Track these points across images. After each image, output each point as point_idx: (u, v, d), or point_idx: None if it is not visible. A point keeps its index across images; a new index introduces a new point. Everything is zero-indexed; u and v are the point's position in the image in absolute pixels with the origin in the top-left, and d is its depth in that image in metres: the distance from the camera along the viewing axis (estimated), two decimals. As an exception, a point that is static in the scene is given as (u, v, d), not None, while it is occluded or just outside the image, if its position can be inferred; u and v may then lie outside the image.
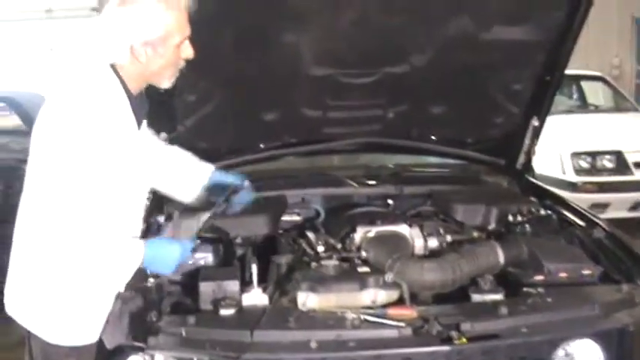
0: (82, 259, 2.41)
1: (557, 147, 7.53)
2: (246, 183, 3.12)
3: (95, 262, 2.43)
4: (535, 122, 3.73)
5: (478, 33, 3.37)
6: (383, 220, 3.25)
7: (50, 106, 2.43)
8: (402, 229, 3.20)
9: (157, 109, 3.23)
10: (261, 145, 3.85)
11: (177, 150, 3.09)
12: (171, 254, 2.54)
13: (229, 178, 3.11)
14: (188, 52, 2.53)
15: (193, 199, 3.10)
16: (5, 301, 2.62)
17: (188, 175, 3.06)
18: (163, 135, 3.29)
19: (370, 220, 3.27)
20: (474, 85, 3.63)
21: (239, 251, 3.22)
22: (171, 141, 3.40)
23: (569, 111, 9.03)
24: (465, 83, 3.61)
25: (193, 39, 3.06)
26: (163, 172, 3.02)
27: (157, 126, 3.31)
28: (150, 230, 3.19)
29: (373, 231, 3.15)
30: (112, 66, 2.47)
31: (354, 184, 3.85)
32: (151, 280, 2.69)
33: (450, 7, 3.26)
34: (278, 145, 3.85)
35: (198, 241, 2.82)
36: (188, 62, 3.15)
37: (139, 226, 2.76)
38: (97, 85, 2.44)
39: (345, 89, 3.60)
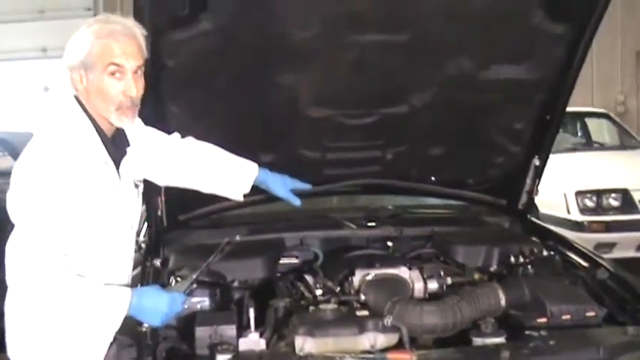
0: (63, 306, 2.37)
1: (562, 186, 7.48)
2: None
3: (77, 309, 2.38)
4: (536, 162, 3.70)
5: (477, 72, 3.35)
6: (382, 263, 3.22)
7: (25, 151, 2.43)
8: (402, 271, 3.17)
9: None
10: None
11: (215, 149, 3.06)
12: (159, 306, 2.48)
13: (275, 178, 3.11)
14: (129, 88, 2.46)
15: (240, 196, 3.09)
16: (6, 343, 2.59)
17: (233, 175, 3.05)
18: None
19: (369, 262, 3.24)
20: (473, 124, 3.61)
21: (236, 295, 3.19)
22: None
23: (574, 149, 8.98)
24: (465, 123, 3.59)
25: (189, 79, 3.09)
26: (204, 173, 3.02)
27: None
28: (144, 275, 3.16)
29: (372, 274, 3.12)
30: (77, 98, 2.48)
31: (353, 226, 3.80)
32: (146, 324, 2.63)
33: (448, 47, 3.24)
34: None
35: (188, 295, 2.76)
36: (184, 102, 3.17)
37: (127, 270, 2.71)
38: (63, 125, 2.44)
39: (343, 130, 3.57)
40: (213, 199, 3.61)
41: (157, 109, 3.14)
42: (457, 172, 3.92)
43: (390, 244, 3.75)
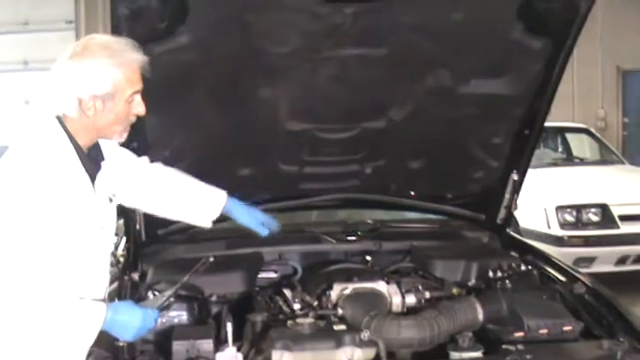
0: (36, 321, 2.33)
1: (542, 200, 7.49)
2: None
3: (51, 324, 2.35)
4: (515, 176, 3.69)
5: (456, 86, 3.35)
6: (360, 277, 3.22)
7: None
8: (380, 285, 3.17)
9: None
10: (236, 202, 3.78)
11: (182, 176, 3.02)
12: (132, 322, 2.44)
13: (242, 209, 3.08)
14: (140, 109, 2.49)
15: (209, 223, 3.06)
16: None
17: (201, 203, 3.01)
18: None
19: (347, 277, 3.24)
20: (452, 139, 3.61)
21: (214, 309, 3.18)
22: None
23: (554, 164, 9.01)
24: (444, 138, 3.58)
25: (167, 92, 3.07)
26: (172, 200, 2.98)
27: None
28: (122, 288, 3.14)
29: (350, 288, 3.12)
30: (59, 118, 2.43)
31: (332, 240, 3.79)
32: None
33: (428, 61, 3.24)
34: (254, 202, 3.76)
35: (166, 309, 2.74)
36: (162, 115, 3.15)
37: (104, 283, 2.68)
38: (41, 142, 2.40)
39: (321, 144, 3.57)
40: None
41: (135, 127, 3.11)
42: (436, 187, 3.92)
43: (368, 258, 3.74)
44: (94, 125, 2.44)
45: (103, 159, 2.60)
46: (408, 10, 2.98)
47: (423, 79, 3.30)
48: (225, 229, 3.79)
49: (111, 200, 2.65)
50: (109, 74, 2.38)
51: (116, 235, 3.54)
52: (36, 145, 2.40)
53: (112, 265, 3.27)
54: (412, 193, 3.94)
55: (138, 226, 3.47)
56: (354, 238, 3.87)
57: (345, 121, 3.50)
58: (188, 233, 3.69)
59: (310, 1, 2.89)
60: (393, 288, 3.19)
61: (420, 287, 3.25)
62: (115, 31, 2.72)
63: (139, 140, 3.14)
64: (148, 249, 3.59)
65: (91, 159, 2.53)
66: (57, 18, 15.18)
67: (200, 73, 3.09)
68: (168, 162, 3.35)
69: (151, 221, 3.45)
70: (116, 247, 3.48)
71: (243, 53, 3.04)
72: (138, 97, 2.47)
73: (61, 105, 2.39)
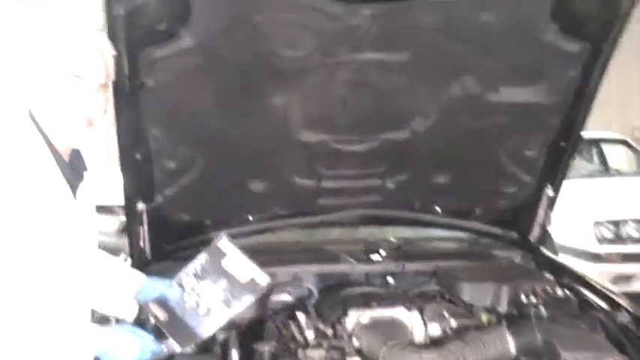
0: (23, 346, 2.12)
1: (578, 215, 7.21)
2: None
3: (39, 350, 2.15)
4: (549, 192, 3.46)
5: (485, 95, 3.12)
6: (379, 302, 2.99)
7: None
8: (400, 312, 2.93)
9: (133, 176, 3.02)
10: (250, 218, 3.58)
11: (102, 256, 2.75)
12: (128, 351, 2.26)
13: (160, 289, 2.78)
14: (91, 101, 2.26)
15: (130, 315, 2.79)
16: None
17: (114, 288, 2.73)
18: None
19: (364, 302, 3.02)
20: (481, 151, 3.38)
21: (221, 336, 2.93)
22: (151, 212, 3.16)
23: (590, 176, 8.72)
24: (472, 150, 3.36)
25: (170, 100, 2.88)
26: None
27: (133, 195, 3.09)
28: None
29: (367, 315, 2.88)
30: (31, 116, 2.27)
31: (351, 260, 3.54)
32: None
33: (453, 67, 3.02)
34: (268, 217, 3.57)
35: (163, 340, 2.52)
36: (165, 125, 2.94)
37: (85, 301, 2.46)
38: (12, 144, 2.23)
39: (339, 157, 3.35)
40: (201, 227, 3.42)
41: (136, 134, 2.92)
42: (464, 202, 3.69)
43: (390, 280, 3.49)
44: (51, 117, 2.26)
45: (85, 169, 2.44)
46: (431, 11, 2.76)
47: (448, 86, 3.09)
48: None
49: (95, 211, 2.46)
50: (50, 55, 2.24)
51: (121, 253, 3.36)
52: (6, 146, 2.22)
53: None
54: (438, 209, 3.69)
55: (142, 243, 3.25)
56: (377, 257, 3.61)
57: (364, 132, 3.29)
58: (199, 250, 3.47)
59: (324, 1, 2.67)
60: (415, 315, 2.94)
61: (446, 314, 2.99)
62: (111, 33, 2.54)
63: (140, 151, 2.97)
64: (154, 267, 3.36)
65: (72, 167, 2.36)
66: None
67: (205, 78, 2.89)
68: (175, 174, 3.18)
69: (157, 237, 3.30)
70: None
71: (251, 57, 2.85)
72: (90, 89, 2.25)
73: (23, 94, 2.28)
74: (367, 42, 2.82)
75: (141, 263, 3.30)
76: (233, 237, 3.37)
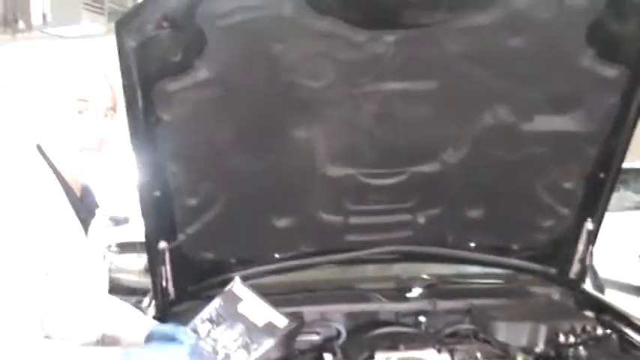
0: None
1: (623, 247, 6.99)
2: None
3: None
4: (589, 225, 3.26)
5: (518, 125, 2.98)
6: (407, 344, 2.82)
7: None
8: (429, 355, 2.76)
9: (153, 214, 2.92)
10: (276, 256, 3.44)
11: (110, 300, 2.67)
12: None
13: (172, 335, 2.63)
14: (94, 126, 2.23)
15: None
16: None
17: (122, 333, 2.61)
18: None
19: (393, 343, 2.85)
20: (516, 184, 3.22)
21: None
22: (173, 251, 3.05)
23: (636, 207, 8.44)
24: (506, 182, 3.21)
25: (188, 134, 2.78)
26: None
27: (154, 234, 2.99)
28: None
29: (394, 358, 2.72)
30: (39, 149, 2.25)
31: (382, 298, 3.39)
32: None
33: (484, 96, 2.89)
34: (294, 255, 3.44)
35: None
36: (184, 161, 2.86)
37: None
38: (22, 178, 2.19)
39: (367, 191, 3.22)
40: (226, 266, 3.30)
41: (154, 170, 2.82)
42: (499, 237, 3.50)
43: (422, 319, 3.31)
44: (56, 146, 2.23)
45: (97, 206, 2.38)
46: (459, 37, 2.64)
47: (479, 115, 2.95)
48: (264, 285, 3.47)
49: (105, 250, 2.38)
50: (52, 81, 2.24)
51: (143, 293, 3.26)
52: (16, 180, 2.19)
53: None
54: (472, 244, 3.52)
55: (165, 283, 3.13)
56: (412, 294, 3.46)
57: (393, 165, 3.16)
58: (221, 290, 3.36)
59: (345, 28, 2.56)
60: (445, 358, 2.78)
61: (479, 356, 2.82)
62: (124, 67, 2.47)
63: (160, 189, 2.86)
64: (177, 307, 3.25)
65: (84, 202, 2.31)
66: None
67: (223, 112, 2.78)
68: (196, 212, 3.08)
69: (181, 276, 3.16)
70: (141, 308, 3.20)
71: (271, 89, 2.75)
72: (94, 114, 2.23)
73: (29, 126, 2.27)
74: (391, 71, 2.72)
75: (164, 304, 3.20)
76: (259, 276, 3.29)
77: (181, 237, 3.14)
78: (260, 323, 2.59)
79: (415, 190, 3.24)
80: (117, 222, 8.17)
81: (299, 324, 3.06)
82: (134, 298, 3.46)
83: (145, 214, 2.95)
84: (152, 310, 3.21)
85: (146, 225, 2.99)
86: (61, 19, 11.56)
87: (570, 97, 2.90)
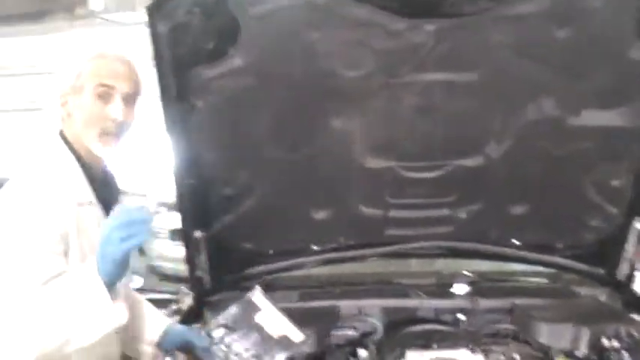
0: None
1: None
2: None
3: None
4: (638, 225, 3.14)
5: (564, 119, 2.90)
6: (440, 343, 2.75)
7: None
8: (462, 355, 2.68)
9: (189, 202, 2.90)
10: (314, 248, 3.38)
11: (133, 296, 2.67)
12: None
13: (186, 336, 2.67)
14: (114, 110, 2.23)
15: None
16: None
17: (135, 329, 2.60)
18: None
19: (425, 342, 2.79)
20: (561, 180, 3.12)
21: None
22: (209, 240, 3.02)
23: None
24: (551, 178, 3.11)
25: (223, 123, 2.74)
26: None
27: (189, 222, 2.96)
28: None
29: (425, 357, 2.65)
30: (62, 134, 2.28)
31: (421, 294, 3.31)
32: None
33: (528, 88, 2.81)
34: (333, 248, 3.38)
35: None
36: (219, 150, 2.82)
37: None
38: (45, 163, 2.23)
39: (407, 185, 3.14)
40: (264, 257, 3.26)
41: (191, 162, 2.80)
42: (544, 235, 3.38)
43: (462, 317, 3.22)
44: (77, 131, 2.26)
45: (118, 192, 2.44)
46: (502, 27, 2.57)
47: (523, 108, 2.87)
48: (302, 278, 3.44)
49: None
50: (76, 65, 2.26)
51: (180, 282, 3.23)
52: (40, 166, 2.24)
53: (171, 315, 3.05)
54: (516, 242, 3.41)
55: (201, 273, 3.11)
56: (455, 290, 3.38)
57: (433, 159, 3.08)
58: (259, 281, 3.32)
59: (383, 16, 2.50)
60: (479, 359, 2.68)
61: (517, 358, 2.72)
62: (157, 53, 2.48)
63: (195, 177, 2.86)
64: (213, 297, 3.23)
65: (106, 186, 2.37)
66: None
67: (259, 100, 2.75)
68: (232, 201, 3.05)
69: (217, 266, 3.15)
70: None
71: (308, 78, 2.71)
72: (117, 99, 2.24)
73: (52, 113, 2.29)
74: (432, 61, 2.65)
75: (200, 293, 3.18)
76: (296, 268, 3.25)
77: (217, 226, 3.11)
78: (276, 335, 2.58)
79: (457, 184, 3.16)
80: (168, 208, 8.17)
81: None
82: (180, 286, 3.45)
83: (180, 202, 2.94)
84: (188, 299, 3.21)
85: (182, 213, 2.98)
86: (119, 5, 11.71)
87: (618, 90, 2.80)
